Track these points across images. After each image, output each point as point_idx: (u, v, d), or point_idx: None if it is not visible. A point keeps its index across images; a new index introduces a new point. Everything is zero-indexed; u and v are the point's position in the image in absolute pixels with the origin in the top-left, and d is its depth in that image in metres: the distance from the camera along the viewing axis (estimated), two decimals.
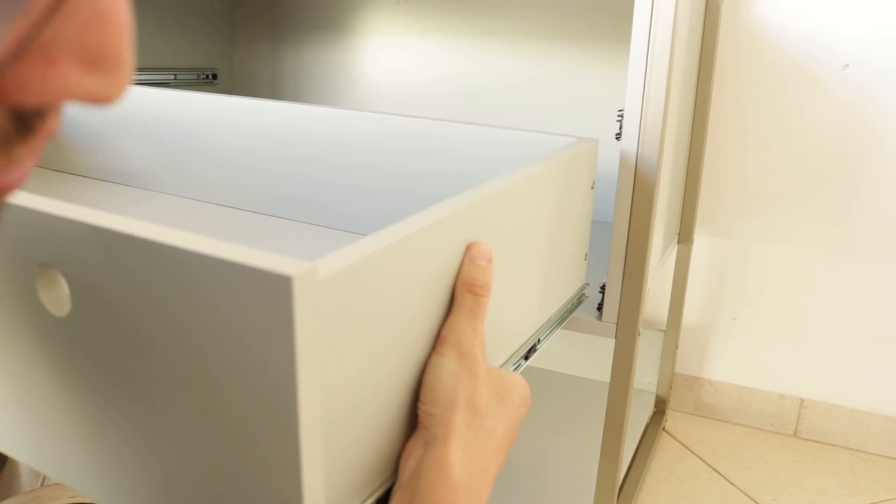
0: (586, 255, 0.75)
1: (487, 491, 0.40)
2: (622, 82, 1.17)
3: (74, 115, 1.02)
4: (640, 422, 1.26)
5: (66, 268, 0.37)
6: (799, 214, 1.22)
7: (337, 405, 0.35)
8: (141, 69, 1.27)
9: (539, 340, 0.65)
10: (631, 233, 0.74)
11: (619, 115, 0.75)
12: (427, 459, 0.39)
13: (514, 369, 0.60)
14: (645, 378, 1.32)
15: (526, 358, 0.62)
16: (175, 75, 1.35)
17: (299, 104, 0.87)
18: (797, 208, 1.22)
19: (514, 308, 0.58)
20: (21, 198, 0.38)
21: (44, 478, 1.07)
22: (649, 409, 1.30)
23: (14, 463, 1.04)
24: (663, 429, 1.30)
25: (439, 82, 1.32)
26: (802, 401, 1.28)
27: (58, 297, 0.39)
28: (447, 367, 0.41)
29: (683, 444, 1.26)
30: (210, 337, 0.33)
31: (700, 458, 1.22)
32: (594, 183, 0.72)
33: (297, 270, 0.30)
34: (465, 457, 0.39)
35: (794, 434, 1.30)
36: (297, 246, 0.83)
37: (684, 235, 1.19)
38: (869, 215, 1.18)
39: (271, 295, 0.30)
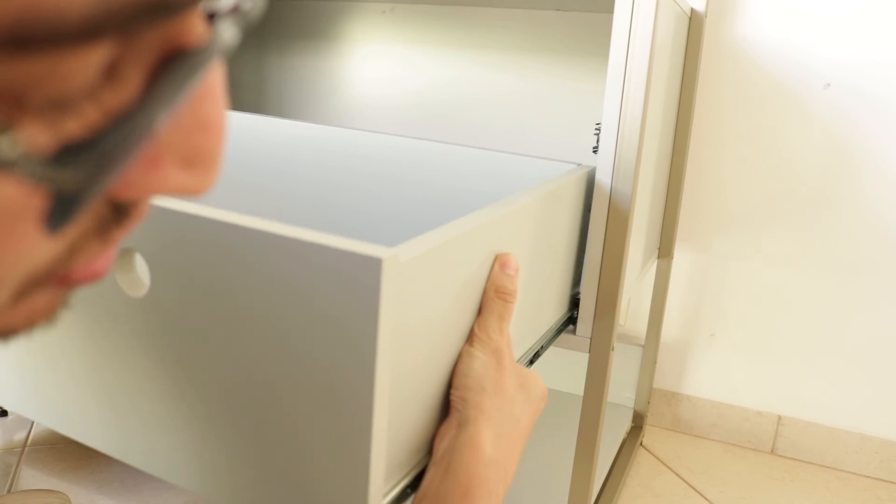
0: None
1: (513, 472, 0.45)
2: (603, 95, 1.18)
3: None
4: (618, 437, 1.25)
5: (149, 252, 0.39)
6: (778, 232, 1.22)
7: (400, 386, 0.38)
8: None
9: (542, 347, 0.69)
10: (606, 249, 0.74)
11: (595, 129, 0.75)
12: (460, 438, 0.43)
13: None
14: (623, 393, 1.32)
15: (531, 362, 0.65)
16: None
17: (291, 121, 0.87)
18: (777, 226, 1.22)
19: (523, 315, 0.60)
20: None
21: (10, 484, 1.05)
22: (627, 423, 1.29)
23: None
24: (640, 444, 1.30)
25: (424, 92, 1.31)
26: (780, 418, 1.28)
27: (133, 279, 0.41)
28: (479, 357, 0.46)
29: (660, 460, 1.26)
30: (297, 315, 0.35)
31: (677, 475, 1.22)
32: (590, 205, 0.74)
33: (386, 254, 0.33)
34: (496, 437, 0.44)
35: (772, 451, 1.30)
36: None
37: (664, 251, 1.19)
38: (847, 234, 1.18)
39: (362, 275, 0.33)
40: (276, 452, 0.38)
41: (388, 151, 0.83)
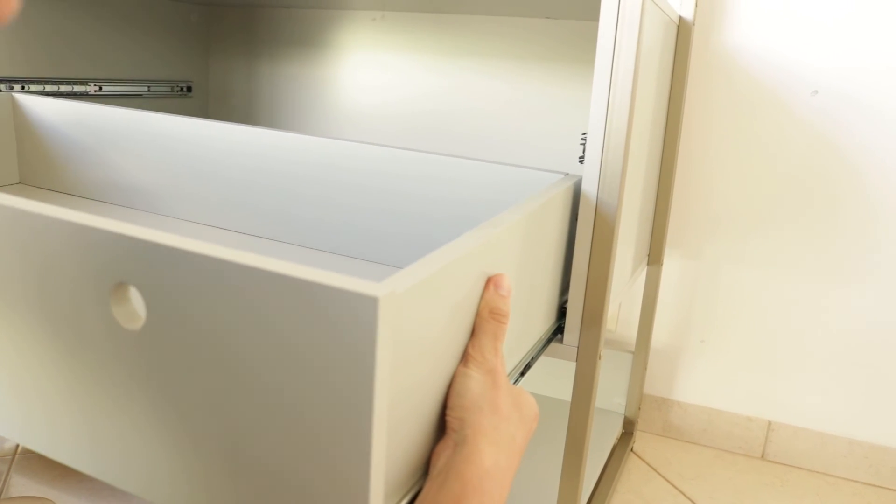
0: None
1: (507, 490, 0.45)
2: None
3: (71, 134, 1.01)
4: (608, 443, 1.26)
5: (143, 286, 0.39)
6: (768, 238, 1.23)
7: (397, 410, 0.38)
8: (114, 80, 1.26)
9: (532, 359, 0.69)
10: (592, 259, 0.75)
11: (582, 139, 0.76)
12: (458, 455, 0.43)
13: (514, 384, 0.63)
14: (613, 399, 1.32)
15: (522, 374, 0.66)
16: (149, 87, 1.34)
17: (288, 133, 0.87)
18: (766, 232, 1.22)
19: (512, 328, 0.60)
20: (101, 221, 0.40)
21: (6, 479, 1.05)
22: (617, 430, 1.30)
23: None
24: (631, 450, 1.30)
25: (414, 100, 1.32)
26: (770, 424, 1.29)
27: (130, 312, 0.41)
28: (474, 377, 0.46)
29: (651, 466, 1.26)
30: (292, 348, 0.35)
31: (667, 481, 1.22)
32: (577, 215, 0.74)
33: (382, 291, 0.33)
34: (493, 452, 0.44)
35: (762, 457, 1.30)
36: None
37: (654, 257, 1.19)
38: (836, 240, 1.19)
39: (357, 313, 0.33)
40: (273, 482, 0.39)
41: (375, 161, 0.83)
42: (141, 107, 1.33)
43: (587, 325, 0.77)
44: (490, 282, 0.50)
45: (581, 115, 1.20)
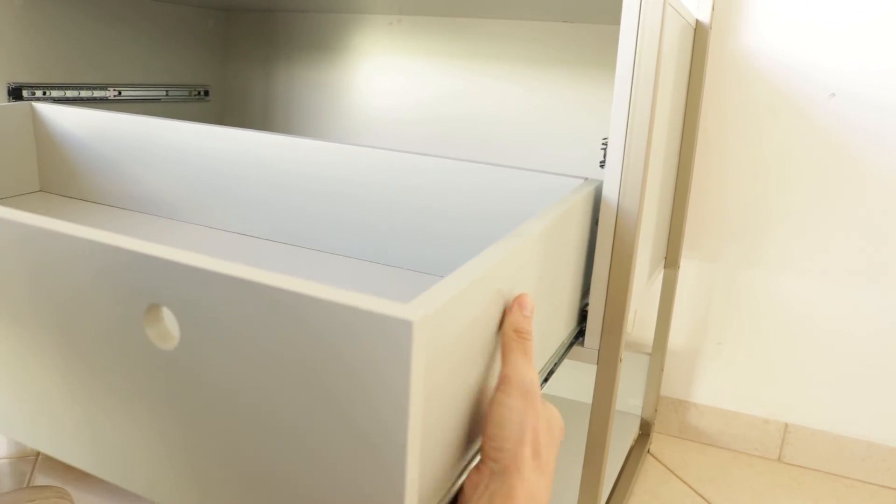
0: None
1: None
2: (611, 106, 1.19)
3: (89, 142, 1.02)
4: (625, 445, 1.26)
5: (176, 307, 0.40)
6: (785, 241, 1.23)
7: (427, 433, 0.38)
8: (133, 85, 1.28)
9: (556, 364, 0.70)
10: (613, 263, 0.75)
11: (602, 144, 0.76)
12: (501, 487, 0.43)
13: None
14: (630, 400, 1.33)
15: (546, 380, 0.66)
16: (167, 91, 1.35)
17: (306, 139, 0.88)
18: (783, 234, 1.23)
19: (537, 334, 0.61)
20: (133, 243, 0.41)
21: (29, 479, 1.06)
22: (634, 431, 1.30)
23: None
24: (648, 451, 1.31)
25: (431, 104, 1.33)
26: (787, 426, 1.29)
27: (164, 332, 0.41)
28: (514, 406, 0.46)
29: (668, 468, 1.26)
30: (324, 373, 0.36)
31: (684, 482, 1.23)
32: (598, 219, 0.75)
33: (416, 315, 0.33)
34: (535, 480, 0.44)
35: (779, 459, 1.30)
36: (320, 274, 0.83)
37: (671, 260, 1.19)
38: (853, 242, 1.19)
39: (391, 337, 0.33)
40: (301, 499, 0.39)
41: (394, 167, 0.84)
42: (159, 111, 1.34)
43: (608, 329, 0.77)
44: (515, 302, 0.50)
45: (598, 120, 1.21)
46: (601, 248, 0.75)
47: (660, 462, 1.28)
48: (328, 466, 0.37)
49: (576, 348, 0.79)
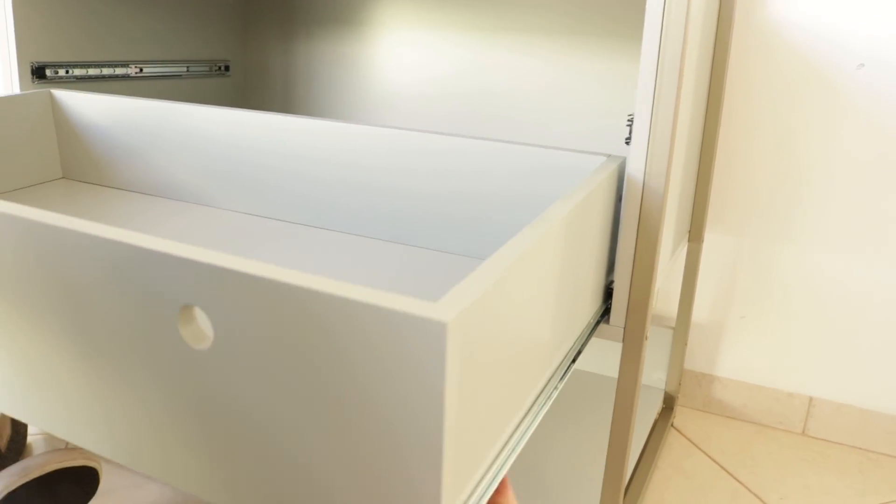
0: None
1: None
2: (632, 79, 1.17)
3: (108, 128, 1.03)
4: (649, 418, 1.26)
5: (209, 308, 0.40)
6: (810, 214, 1.21)
7: (462, 436, 0.38)
8: (154, 62, 1.27)
9: (583, 344, 0.70)
10: (638, 242, 0.74)
11: (628, 120, 0.75)
12: None
13: (564, 374, 0.64)
14: (654, 374, 1.32)
15: (573, 361, 0.66)
16: (188, 67, 1.35)
17: (325, 120, 0.88)
18: (808, 207, 1.21)
19: (560, 318, 0.61)
20: (164, 244, 0.41)
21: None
22: (658, 405, 1.30)
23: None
24: (671, 425, 1.31)
25: (451, 77, 1.31)
26: (811, 399, 1.28)
27: (198, 332, 0.42)
28: None
29: (692, 441, 1.26)
30: (356, 375, 0.36)
31: (708, 456, 1.23)
32: (621, 196, 0.74)
33: (449, 315, 0.33)
34: None
35: (803, 432, 1.30)
36: (336, 257, 0.84)
37: (695, 234, 1.18)
38: (880, 214, 1.17)
39: (425, 338, 0.33)
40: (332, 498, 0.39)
41: (413, 147, 0.83)
42: (180, 87, 1.34)
43: (633, 307, 0.77)
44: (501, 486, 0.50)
45: (619, 93, 1.19)
46: (626, 226, 0.75)
47: (683, 436, 1.28)
48: (361, 468, 0.37)
49: (601, 326, 0.79)
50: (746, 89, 1.21)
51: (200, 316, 0.41)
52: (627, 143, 0.74)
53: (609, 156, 0.75)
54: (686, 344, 1.29)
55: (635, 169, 0.72)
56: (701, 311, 1.33)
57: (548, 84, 1.24)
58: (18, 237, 0.47)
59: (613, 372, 1.37)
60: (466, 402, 0.38)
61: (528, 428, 0.54)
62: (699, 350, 1.35)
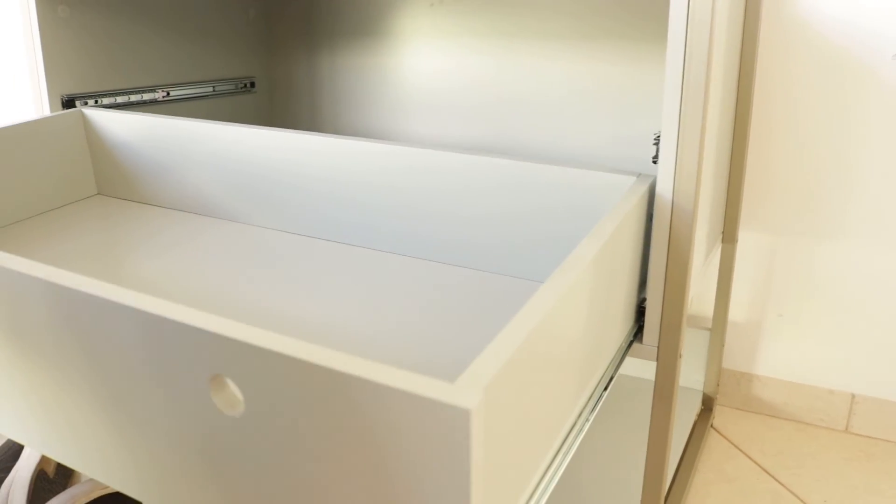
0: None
1: None
2: (655, 81, 1.16)
3: (138, 145, 1.04)
4: (688, 421, 1.25)
5: (238, 378, 0.40)
6: (847, 210, 1.19)
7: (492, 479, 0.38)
8: (180, 84, 1.29)
9: (615, 370, 0.69)
10: (669, 261, 0.74)
11: (654, 140, 0.74)
12: None
13: (595, 405, 0.64)
14: (692, 376, 1.31)
15: (605, 388, 0.66)
16: (213, 87, 1.36)
17: (348, 139, 0.88)
18: (845, 202, 1.19)
19: (592, 345, 0.60)
20: (194, 316, 0.41)
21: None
22: (696, 407, 1.29)
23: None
24: (711, 426, 1.30)
25: (476, 85, 1.31)
26: (853, 396, 1.26)
27: (230, 399, 0.42)
28: None
29: (732, 443, 1.25)
30: (379, 455, 0.36)
31: (749, 457, 1.22)
32: (651, 215, 0.73)
33: (473, 401, 0.32)
34: None
35: (846, 430, 1.28)
36: (372, 274, 0.84)
37: (728, 235, 1.17)
38: None
39: (449, 424, 0.33)
40: None
41: (437, 166, 0.83)
42: (208, 107, 1.35)
43: (666, 326, 0.76)
44: None
45: (641, 96, 1.18)
46: (656, 245, 0.74)
47: (724, 437, 1.27)
48: None
49: (634, 346, 0.79)
50: (777, 83, 1.18)
51: (232, 384, 0.42)
52: (655, 162, 0.73)
53: (639, 175, 0.75)
54: (723, 345, 1.28)
55: (664, 189, 0.72)
56: (737, 310, 1.32)
57: (569, 90, 1.23)
58: (51, 302, 0.48)
59: (648, 373, 1.36)
60: (493, 468, 0.38)
61: (560, 466, 0.54)
62: (737, 349, 1.34)
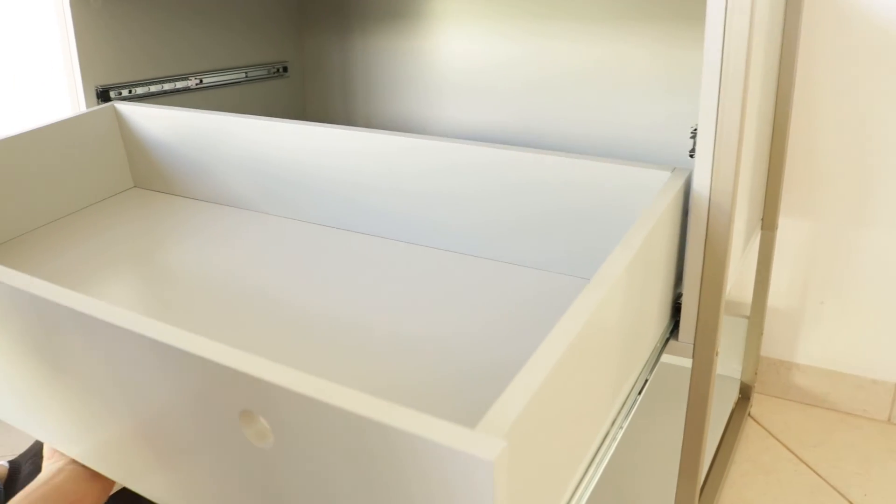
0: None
1: None
2: (689, 60, 1.13)
3: (169, 139, 1.04)
4: (725, 410, 1.24)
5: (266, 415, 0.40)
6: (889, 194, 1.15)
7: None
8: (212, 71, 1.28)
9: (651, 372, 0.68)
10: (706, 257, 0.72)
11: (692, 133, 0.72)
12: None
13: (630, 411, 0.63)
14: (729, 364, 1.29)
15: (640, 392, 0.65)
16: (246, 73, 1.36)
17: (381, 133, 0.87)
18: (887, 189, 1.15)
19: (625, 348, 0.60)
20: (224, 353, 0.41)
21: None
22: (734, 395, 1.27)
23: None
24: (749, 415, 1.28)
25: (510, 68, 1.29)
26: None
27: (260, 431, 0.42)
28: None
29: (770, 432, 1.23)
30: (407, 496, 0.35)
31: (787, 448, 1.20)
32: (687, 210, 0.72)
33: (494, 451, 0.31)
34: None
35: (888, 420, 1.25)
36: (399, 266, 0.84)
37: (768, 222, 1.14)
38: None
39: (470, 473, 0.32)
40: None
41: (474, 160, 0.82)
42: (241, 93, 1.35)
43: (703, 322, 0.75)
44: None
45: (674, 77, 1.15)
46: (693, 241, 0.72)
47: (761, 426, 1.25)
48: None
49: (670, 342, 0.77)
50: (819, 65, 1.15)
51: (261, 418, 0.41)
52: (691, 156, 0.71)
53: (674, 169, 0.73)
54: (762, 333, 1.25)
55: (701, 186, 0.70)
56: (777, 297, 1.29)
57: (604, 72, 1.20)
58: (89, 334, 0.49)
59: (684, 360, 1.34)
60: (520, 502, 0.38)
61: (591, 480, 0.53)
62: (776, 337, 1.31)
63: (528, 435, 0.38)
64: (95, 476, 0.64)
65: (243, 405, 0.41)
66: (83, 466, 0.65)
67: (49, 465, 0.67)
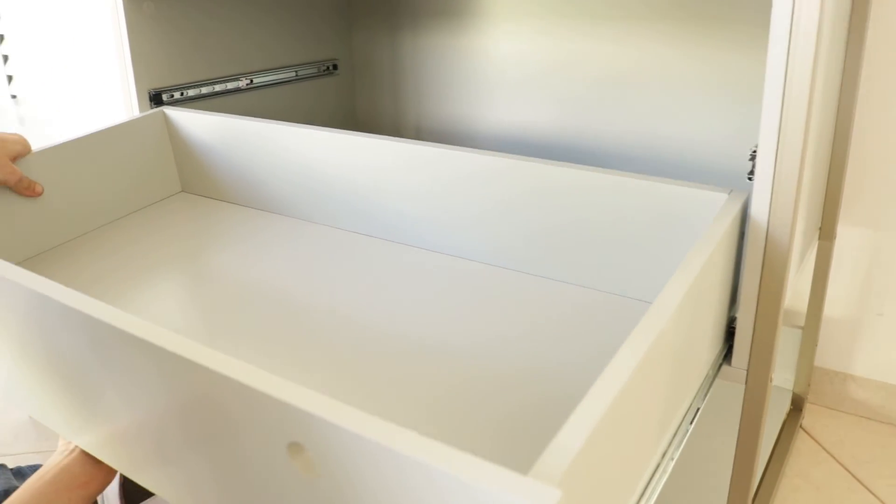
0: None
1: None
2: (745, 65, 1.09)
3: (216, 145, 1.05)
4: (776, 422, 1.21)
5: (311, 447, 0.41)
6: None
7: None
8: (262, 71, 1.29)
9: (703, 400, 0.67)
10: (763, 282, 0.70)
11: (751, 154, 0.70)
12: None
13: (682, 442, 0.62)
14: (782, 374, 1.26)
15: (692, 422, 0.64)
16: (296, 72, 1.36)
17: (425, 145, 0.87)
18: None
19: (680, 385, 0.59)
20: (274, 385, 0.41)
21: None
22: (786, 406, 1.25)
23: None
24: (800, 426, 1.25)
25: (563, 67, 1.27)
26: None
27: (308, 462, 0.42)
28: None
29: (822, 446, 1.21)
30: None
31: (839, 463, 1.17)
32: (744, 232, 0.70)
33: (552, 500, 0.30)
34: None
35: None
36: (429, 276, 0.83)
37: (826, 232, 1.11)
38: None
39: None
40: None
41: (521, 176, 0.81)
42: (291, 91, 1.36)
43: (758, 347, 0.73)
44: None
45: (729, 82, 1.11)
46: (749, 265, 0.70)
47: (813, 439, 1.22)
48: None
49: (723, 367, 0.75)
50: (884, 70, 1.11)
51: (308, 450, 0.41)
52: (750, 179, 0.69)
53: (731, 191, 0.71)
54: (816, 344, 1.22)
55: (759, 211, 0.68)
56: (833, 307, 1.25)
57: (659, 74, 1.17)
58: (142, 355, 0.49)
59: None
60: None
61: None
62: (831, 347, 1.28)
63: (583, 478, 0.38)
64: (101, 461, 0.67)
65: (291, 437, 0.41)
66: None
67: (62, 447, 0.72)
